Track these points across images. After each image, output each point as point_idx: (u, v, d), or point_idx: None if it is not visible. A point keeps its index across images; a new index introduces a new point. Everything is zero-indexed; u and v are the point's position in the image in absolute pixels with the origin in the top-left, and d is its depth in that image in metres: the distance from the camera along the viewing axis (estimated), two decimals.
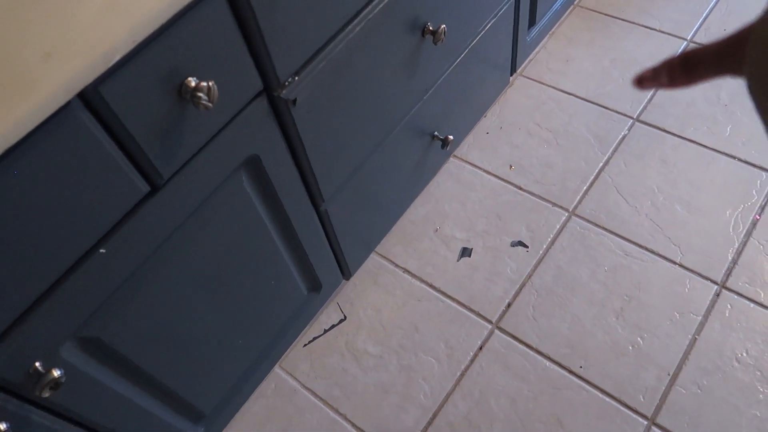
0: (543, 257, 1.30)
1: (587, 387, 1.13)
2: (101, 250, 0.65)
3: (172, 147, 0.66)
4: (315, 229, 1.01)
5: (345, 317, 1.29)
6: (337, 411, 1.17)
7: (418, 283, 1.31)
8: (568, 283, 1.26)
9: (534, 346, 1.19)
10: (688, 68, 0.37)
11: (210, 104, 0.64)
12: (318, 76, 0.81)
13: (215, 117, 0.70)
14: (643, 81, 0.41)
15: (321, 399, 1.19)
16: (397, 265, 1.34)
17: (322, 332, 1.27)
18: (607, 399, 1.11)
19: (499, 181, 1.44)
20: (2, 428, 0.61)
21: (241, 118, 0.74)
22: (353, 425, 1.15)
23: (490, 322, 1.24)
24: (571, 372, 1.15)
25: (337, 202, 1.02)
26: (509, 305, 1.25)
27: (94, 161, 0.59)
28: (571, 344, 1.18)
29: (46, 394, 0.62)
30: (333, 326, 1.28)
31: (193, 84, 0.63)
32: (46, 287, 0.61)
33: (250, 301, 0.95)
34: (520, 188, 1.42)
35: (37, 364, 0.64)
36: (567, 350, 1.17)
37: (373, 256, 1.36)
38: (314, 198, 0.97)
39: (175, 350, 0.83)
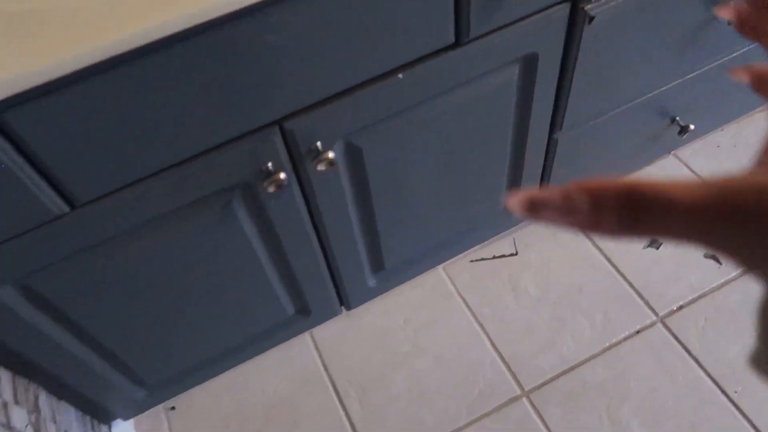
0: (734, 279, 1.26)
1: (736, 413, 1.09)
2: (399, 75, 0.76)
3: (493, 10, 0.74)
4: (540, 152, 1.06)
5: (516, 253, 1.34)
6: (482, 326, 1.24)
7: (597, 252, 1.32)
8: (751, 313, 1.21)
9: (693, 353, 1.17)
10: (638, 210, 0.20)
11: None
12: (621, 6, 0.85)
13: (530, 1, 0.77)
14: (534, 207, 0.22)
15: (471, 311, 1.27)
16: None
17: (491, 257, 1.34)
18: None
19: None
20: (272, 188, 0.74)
21: (543, 15, 0.81)
22: (492, 344, 1.22)
23: (656, 314, 1.23)
24: (723, 392, 1.12)
25: (569, 136, 1.07)
26: (680, 308, 1.23)
27: None
28: (733, 368, 1.14)
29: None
30: (503, 256, 1.34)
31: None
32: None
33: (469, 189, 1.03)
34: None
35: (318, 143, 0.77)
36: (727, 371, 1.14)
37: None
38: (554, 123, 1.02)
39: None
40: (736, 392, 1.12)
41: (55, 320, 0.79)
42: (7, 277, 0.69)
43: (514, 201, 0.23)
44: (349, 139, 0.80)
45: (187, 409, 1.20)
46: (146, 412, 1.19)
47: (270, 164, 0.75)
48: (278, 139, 0.74)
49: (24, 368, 0.87)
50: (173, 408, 1.20)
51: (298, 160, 0.78)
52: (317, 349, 1.25)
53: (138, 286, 0.81)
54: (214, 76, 0.63)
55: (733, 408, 1.10)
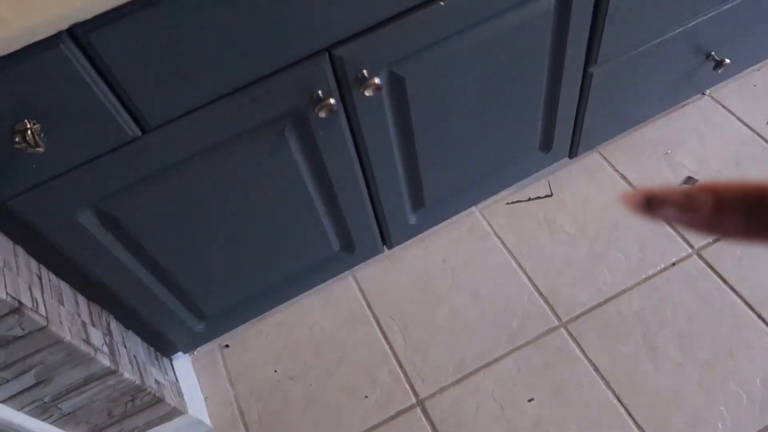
0: None
1: None
2: (441, 2, 0.79)
3: None
4: (575, 87, 1.09)
5: (552, 194, 1.37)
6: (519, 264, 1.29)
7: (631, 191, 1.34)
8: None
9: (730, 282, 1.19)
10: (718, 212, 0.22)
11: None
12: None
13: None
14: (652, 204, 0.25)
15: (508, 249, 1.31)
16: (616, 170, 1.39)
17: (526, 199, 1.38)
18: None
19: (751, 132, 1.39)
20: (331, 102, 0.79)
21: None
22: (529, 279, 1.26)
23: (691, 247, 1.25)
24: (760, 317, 1.14)
25: (604, 71, 1.09)
26: (716, 240, 1.25)
27: None
28: None
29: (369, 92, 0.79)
30: (538, 197, 1.37)
31: None
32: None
33: (503, 125, 1.06)
34: None
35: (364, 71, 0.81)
36: (764, 297, 1.16)
37: (594, 155, 1.41)
38: (590, 55, 1.04)
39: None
40: None
41: (125, 245, 0.86)
42: (85, 200, 0.75)
43: (631, 198, 0.23)
44: (393, 68, 0.84)
45: (240, 347, 1.27)
46: (203, 349, 1.27)
47: (320, 92, 0.80)
48: (327, 66, 0.78)
49: (97, 295, 0.94)
50: (227, 346, 1.28)
51: (345, 87, 0.82)
52: (360, 288, 1.31)
53: (199, 213, 0.87)
54: (270, 4, 0.67)
55: None
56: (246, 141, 0.82)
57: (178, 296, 1.01)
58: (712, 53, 1.23)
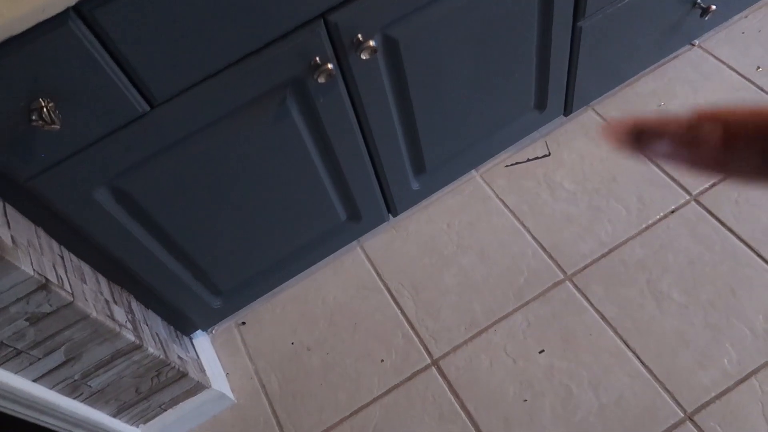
0: None
1: None
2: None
3: None
4: (565, 42, 1.11)
5: (549, 153, 1.40)
6: (522, 223, 1.31)
7: (613, 121, 1.37)
8: None
9: (728, 224, 1.22)
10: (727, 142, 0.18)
11: None
12: None
13: None
14: (643, 138, 0.20)
15: (510, 210, 1.34)
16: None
17: (525, 160, 1.40)
18: None
19: (741, 78, 1.42)
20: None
21: None
22: (533, 236, 1.29)
23: (689, 193, 1.28)
24: (759, 255, 1.17)
25: (592, 24, 1.11)
26: (713, 186, 1.28)
27: None
28: None
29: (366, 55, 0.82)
30: (536, 158, 1.40)
31: None
32: None
33: (497, 93, 1.09)
34: (762, 89, 1.39)
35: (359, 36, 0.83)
36: (762, 237, 1.19)
37: (589, 112, 1.44)
38: (578, 8, 1.06)
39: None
40: None
41: (139, 221, 0.89)
42: (99, 177, 0.78)
43: (614, 129, 0.17)
44: (386, 31, 0.87)
45: (256, 323, 1.31)
46: (220, 327, 1.31)
47: (317, 58, 0.82)
48: (323, 33, 0.80)
49: (116, 275, 0.98)
50: (243, 323, 1.31)
51: (342, 52, 0.85)
52: (368, 258, 1.34)
53: (209, 187, 0.90)
54: None
55: None
56: (249, 112, 0.84)
57: (193, 272, 1.04)
58: (698, 0, 1.25)
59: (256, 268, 1.12)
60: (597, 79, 1.27)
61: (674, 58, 1.48)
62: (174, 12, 0.67)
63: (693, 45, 1.50)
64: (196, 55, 0.73)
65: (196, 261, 1.01)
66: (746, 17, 1.52)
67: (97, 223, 0.83)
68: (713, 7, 1.25)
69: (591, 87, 1.28)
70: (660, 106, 1.41)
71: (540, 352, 1.16)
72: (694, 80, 1.43)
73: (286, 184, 0.99)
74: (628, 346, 1.13)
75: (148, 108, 0.75)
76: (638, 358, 1.12)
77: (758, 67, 1.43)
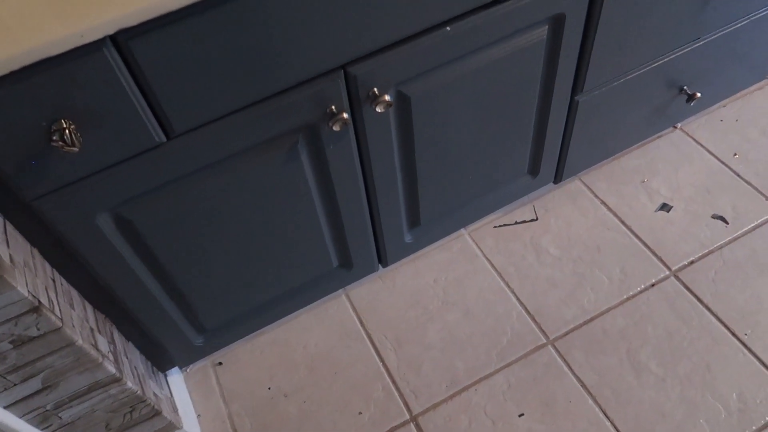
0: (740, 236, 1.35)
1: (746, 351, 1.18)
2: (447, 28, 0.86)
3: None
4: (562, 114, 1.16)
5: (537, 218, 1.44)
6: (507, 284, 1.33)
7: (611, 216, 1.42)
8: (758, 265, 1.30)
9: (705, 302, 1.26)
10: None
11: None
12: None
13: None
14: None
15: (496, 269, 1.36)
16: (596, 196, 1.46)
17: (513, 222, 1.44)
18: (764, 369, 1.16)
19: (719, 162, 1.49)
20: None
21: None
22: (517, 298, 1.31)
23: (669, 268, 1.32)
24: (734, 334, 1.21)
25: (588, 99, 1.17)
26: (692, 262, 1.32)
27: None
28: (743, 313, 1.23)
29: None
30: (524, 221, 1.43)
31: None
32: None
33: (495, 152, 1.13)
34: (738, 174, 1.46)
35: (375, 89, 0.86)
36: (737, 316, 1.23)
37: (577, 182, 1.49)
38: (577, 84, 1.12)
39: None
40: (746, 334, 1.21)
41: (137, 251, 0.88)
42: (106, 203, 0.78)
43: None
44: (400, 88, 0.90)
45: (234, 365, 1.28)
46: (195, 367, 1.27)
47: (334, 106, 0.85)
48: (342, 83, 0.83)
49: (103, 304, 0.95)
50: (220, 363, 1.28)
51: (357, 104, 0.87)
52: (353, 307, 1.33)
53: (210, 222, 0.90)
54: (295, 21, 0.72)
55: (743, 348, 1.19)
56: (261, 152, 0.86)
57: (181, 306, 1.02)
58: (685, 87, 1.33)
59: (243, 308, 1.11)
60: (587, 151, 1.32)
61: (658, 137, 1.56)
62: (205, 51, 0.69)
63: (675, 127, 1.58)
64: (219, 93, 0.75)
65: (186, 295, 1.00)
66: (725, 106, 1.61)
67: (95, 249, 0.82)
68: (698, 94, 1.32)
69: (581, 158, 1.33)
70: (643, 182, 1.47)
71: (519, 416, 1.16)
72: (676, 160, 1.50)
73: (286, 226, 0.99)
74: (606, 415, 1.14)
75: (164, 139, 0.76)
76: (616, 428, 1.12)
77: (735, 154, 1.51)
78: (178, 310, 1.02)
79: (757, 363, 1.17)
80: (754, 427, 1.10)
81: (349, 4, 0.75)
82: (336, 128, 0.84)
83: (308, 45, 0.76)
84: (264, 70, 0.76)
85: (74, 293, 0.89)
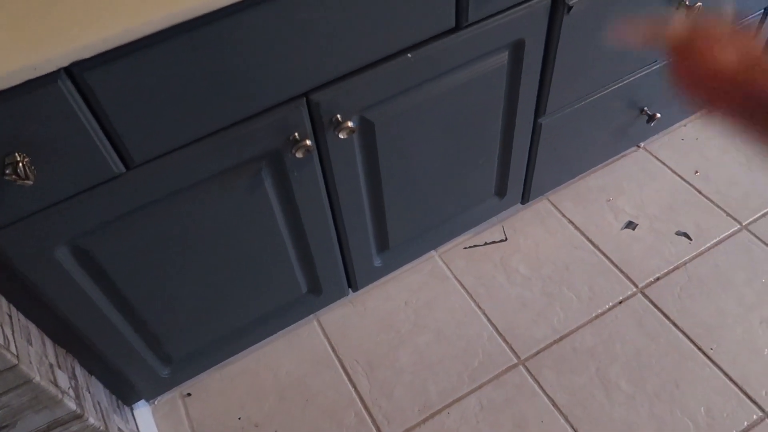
0: (704, 252, 1.38)
1: (712, 366, 1.20)
2: (408, 55, 0.87)
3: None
4: (526, 137, 1.18)
5: (506, 238, 1.45)
6: (478, 304, 1.34)
7: (579, 234, 1.44)
8: (721, 281, 1.33)
9: (671, 317, 1.28)
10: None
11: None
12: None
13: None
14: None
15: (467, 291, 1.36)
16: (564, 215, 1.48)
17: (482, 243, 1.45)
18: (729, 382, 1.18)
19: (681, 180, 1.53)
20: (308, 143, 0.84)
21: (528, 5, 0.93)
22: (488, 319, 1.31)
23: (635, 285, 1.34)
24: (700, 349, 1.23)
25: (552, 122, 1.19)
26: (658, 279, 1.35)
27: None
28: (708, 329, 1.25)
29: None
30: (494, 242, 1.44)
31: None
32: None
33: (466, 171, 1.14)
34: (700, 192, 1.50)
35: (339, 116, 0.87)
36: (702, 331, 1.25)
37: (544, 202, 1.51)
38: (539, 107, 1.14)
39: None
40: (711, 349, 1.23)
41: (99, 284, 0.86)
42: (64, 236, 0.76)
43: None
44: (364, 114, 0.91)
45: (203, 395, 1.25)
46: (164, 398, 1.25)
47: (297, 133, 0.85)
48: (305, 110, 0.83)
49: (63, 338, 0.93)
50: (189, 394, 1.26)
51: (320, 130, 0.87)
52: (324, 332, 1.32)
53: (174, 252, 0.89)
54: (253, 53, 0.73)
55: (709, 363, 1.21)
56: (224, 180, 0.85)
57: (146, 338, 1.00)
58: (645, 108, 1.36)
59: (210, 336, 1.09)
60: (553, 172, 1.34)
61: (622, 157, 1.59)
62: (163, 81, 0.69)
63: (639, 147, 1.61)
64: (180, 122, 0.74)
65: (150, 327, 0.98)
66: (685, 126, 1.65)
67: (55, 283, 0.80)
68: (658, 115, 1.36)
69: (547, 178, 1.35)
70: (609, 200, 1.50)
71: None
72: (640, 179, 1.53)
73: (252, 253, 0.98)
74: None
75: (124, 169, 0.75)
76: None
77: (696, 171, 1.54)
78: (143, 341, 1.00)
79: (723, 377, 1.19)
80: None
81: (310, 33, 0.75)
82: (299, 155, 0.84)
83: (269, 73, 0.76)
84: (225, 99, 0.75)
85: (33, 328, 0.87)
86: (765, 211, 1.45)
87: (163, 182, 0.79)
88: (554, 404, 1.18)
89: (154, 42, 0.65)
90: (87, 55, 0.61)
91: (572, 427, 1.15)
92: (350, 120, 0.88)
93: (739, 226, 1.42)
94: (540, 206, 1.50)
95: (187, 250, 0.90)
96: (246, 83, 0.75)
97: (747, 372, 1.19)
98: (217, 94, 0.74)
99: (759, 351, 1.22)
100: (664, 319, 1.28)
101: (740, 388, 1.17)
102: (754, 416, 1.13)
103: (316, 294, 1.18)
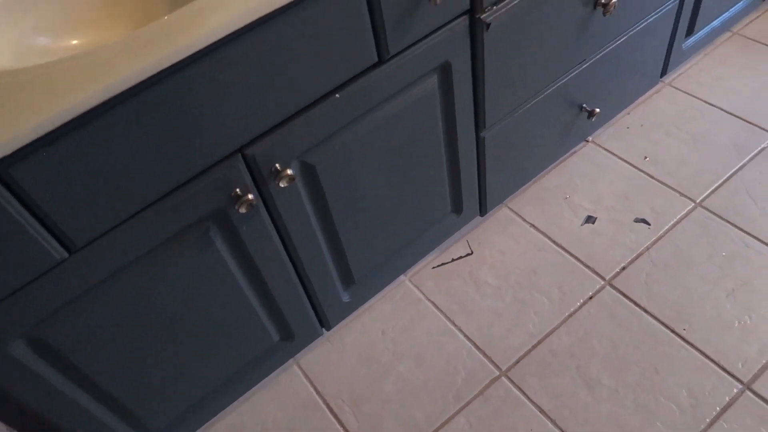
0: (663, 235, 1.41)
1: (687, 347, 1.22)
2: (336, 95, 0.88)
3: (405, 29, 0.88)
4: (471, 152, 1.20)
5: (472, 252, 1.46)
6: (453, 322, 1.34)
7: (542, 237, 1.46)
8: (684, 261, 1.35)
9: (642, 305, 1.30)
10: None
11: (439, 0, 0.85)
12: (511, 11, 1.01)
13: (435, 16, 0.91)
14: None
15: (440, 310, 1.37)
16: (525, 220, 1.50)
17: (450, 260, 1.46)
18: (706, 360, 1.20)
19: (632, 168, 1.56)
20: (250, 197, 0.84)
21: (447, 28, 0.96)
22: (465, 335, 1.32)
23: (603, 278, 1.36)
24: (673, 332, 1.25)
25: (494, 133, 1.21)
26: (624, 268, 1.37)
27: (349, 18, 0.82)
28: (678, 310, 1.28)
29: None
30: (460, 257, 1.46)
31: None
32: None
33: (416, 198, 1.15)
34: (651, 176, 1.53)
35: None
36: (673, 314, 1.27)
37: (504, 210, 1.53)
38: (478, 122, 1.16)
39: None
40: (684, 329, 1.25)
41: (62, 371, 0.85)
42: (16, 331, 0.75)
43: None
44: (303, 158, 0.91)
45: None
46: None
47: (238, 189, 0.85)
48: (242, 165, 0.84)
49: (29, 426, 0.91)
50: None
51: (261, 182, 0.88)
52: (306, 375, 1.31)
53: (134, 324, 0.88)
54: (181, 118, 0.73)
55: (684, 343, 1.23)
56: (172, 246, 0.85)
57: (121, 415, 0.99)
58: (584, 105, 1.40)
59: (188, 401, 1.08)
60: (506, 180, 1.36)
61: (573, 154, 1.62)
62: (94, 160, 0.69)
63: (587, 141, 1.65)
64: (116, 199, 0.74)
65: (123, 403, 0.97)
66: (629, 114, 1.69)
67: (14, 378, 0.79)
68: (597, 110, 1.39)
69: (501, 187, 1.37)
70: (566, 198, 1.52)
71: None
72: (592, 173, 1.56)
73: (215, 312, 0.98)
74: None
75: (66, 255, 0.74)
76: None
77: (645, 157, 1.58)
78: (118, 419, 0.99)
79: (699, 355, 1.21)
80: (707, 420, 1.13)
81: (235, 91, 0.76)
82: (243, 210, 0.85)
83: (201, 135, 0.77)
84: (159, 167, 0.76)
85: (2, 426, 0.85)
86: (716, 185, 1.48)
87: (109, 260, 0.78)
88: (541, 410, 1.19)
89: (76, 126, 0.66)
90: (7, 151, 0.61)
91: (561, 430, 1.16)
92: (290, 167, 0.89)
93: (693, 204, 1.46)
94: (500, 215, 1.52)
95: (147, 322, 0.89)
96: (179, 148, 0.76)
97: (721, 347, 1.21)
98: (150, 163, 0.74)
99: (729, 324, 1.24)
100: (635, 307, 1.30)
101: (717, 364, 1.19)
102: (734, 390, 1.15)
103: (289, 340, 1.18)
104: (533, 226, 1.49)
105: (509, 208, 1.53)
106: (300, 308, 1.13)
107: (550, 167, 1.59)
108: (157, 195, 0.78)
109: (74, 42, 0.82)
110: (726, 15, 1.67)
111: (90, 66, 0.65)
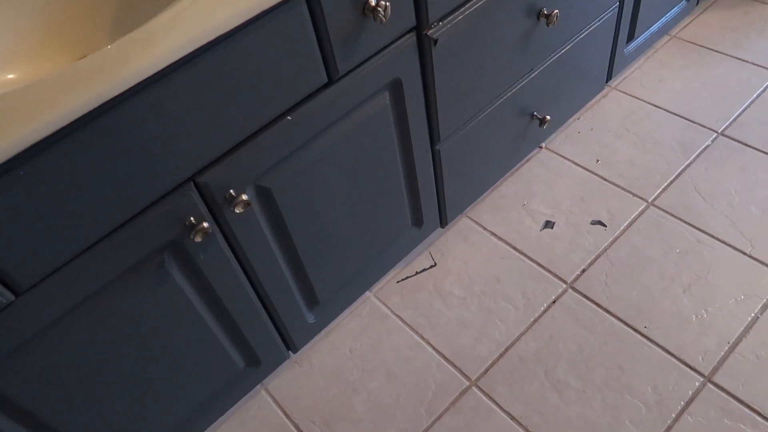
0: (619, 236, 1.44)
1: (649, 344, 1.25)
2: (288, 117, 0.88)
3: (352, 49, 0.88)
4: (428, 165, 1.21)
5: (435, 264, 1.47)
6: (421, 336, 1.34)
7: (503, 244, 1.48)
8: (640, 260, 1.39)
9: (603, 305, 1.32)
10: None
11: (384, 19, 0.86)
12: (457, 26, 1.02)
13: (382, 35, 0.92)
14: None
15: (408, 325, 1.37)
16: (485, 229, 1.52)
17: (414, 273, 1.46)
18: (668, 356, 1.22)
19: (586, 171, 1.60)
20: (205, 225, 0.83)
21: (395, 45, 0.96)
22: (434, 348, 1.32)
23: (564, 282, 1.38)
24: (635, 330, 1.27)
25: (449, 145, 1.22)
26: (584, 271, 1.39)
27: (296, 41, 0.81)
28: (639, 308, 1.30)
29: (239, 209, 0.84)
30: (424, 270, 1.46)
31: (373, 2, 0.85)
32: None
33: (374, 219, 1.15)
34: (605, 179, 1.57)
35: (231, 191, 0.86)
36: (634, 312, 1.30)
37: (465, 220, 1.54)
38: (432, 135, 1.17)
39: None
40: (645, 327, 1.27)
41: (18, 419, 0.81)
42: None
43: None
44: (258, 182, 0.90)
45: None
46: None
47: (192, 218, 0.83)
48: (194, 194, 0.82)
49: None
50: None
51: (216, 209, 0.86)
52: (275, 400, 1.29)
53: (93, 364, 0.85)
54: (128, 149, 0.71)
55: (646, 341, 1.25)
56: (127, 281, 0.82)
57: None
58: (535, 113, 1.42)
59: None
60: (464, 190, 1.38)
61: (528, 161, 1.65)
62: (33, 200, 0.67)
63: (541, 147, 1.68)
64: (63, 237, 0.72)
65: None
66: (579, 119, 1.73)
67: None
68: (548, 117, 1.42)
69: (460, 198, 1.38)
70: (524, 205, 1.54)
71: None
72: (548, 178, 1.59)
73: (177, 343, 0.95)
74: None
75: (12, 297, 0.71)
76: None
77: (597, 160, 1.62)
78: None
79: (662, 351, 1.23)
80: (673, 415, 1.15)
81: (182, 120, 0.75)
82: (198, 239, 0.83)
83: (151, 166, 0.75)
84: (107, 202, 0.74)
85: None
86: (665, 184, 1.53)
87: (60, 300, 0.76)
88: (512, 417, 1.19)
89: (15, 165, 0.63)
90: None
91: None
92: (245, 192, 0.88)
93: (646, 204, 1.50)
94: (461, 225, 1.53)
95: (106, 360, 0.86)
96: (128, 180, 0.74)
97: (681, 341, 1.24)
98: (98, 197, 0.72)
99: (687, 318, 1.27)
100: (597, 308, 1.32)
101: (679, 359, 1.22)
102: (696, 383, 1.18)
103: (255, 366, 1.16)
104: (494, 234, 1.50)
105: (469, 217, 1.55)
106: (264, 333, 1.11)
107: (506, 175, 1.61)
108: (108, 229, 0.76)
109: (10, 76, 0.79)
110: (663, 20, 1.73)
111: (29, 101, 0.63)
